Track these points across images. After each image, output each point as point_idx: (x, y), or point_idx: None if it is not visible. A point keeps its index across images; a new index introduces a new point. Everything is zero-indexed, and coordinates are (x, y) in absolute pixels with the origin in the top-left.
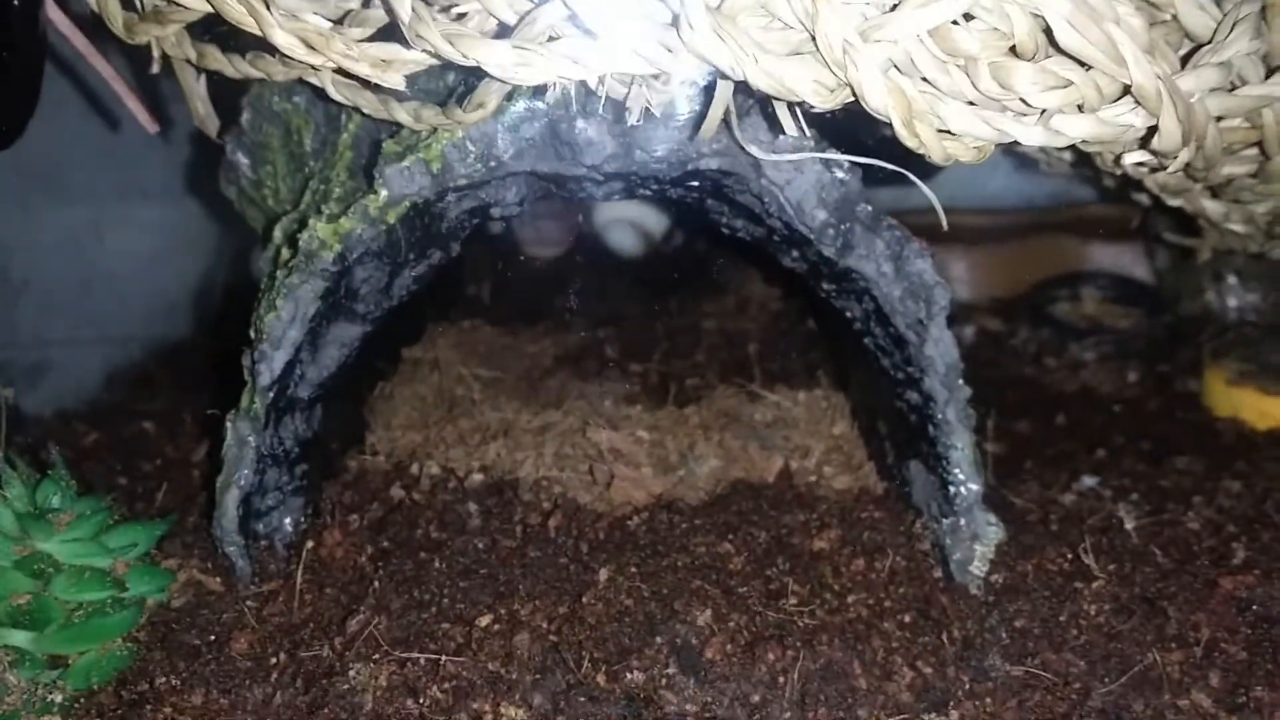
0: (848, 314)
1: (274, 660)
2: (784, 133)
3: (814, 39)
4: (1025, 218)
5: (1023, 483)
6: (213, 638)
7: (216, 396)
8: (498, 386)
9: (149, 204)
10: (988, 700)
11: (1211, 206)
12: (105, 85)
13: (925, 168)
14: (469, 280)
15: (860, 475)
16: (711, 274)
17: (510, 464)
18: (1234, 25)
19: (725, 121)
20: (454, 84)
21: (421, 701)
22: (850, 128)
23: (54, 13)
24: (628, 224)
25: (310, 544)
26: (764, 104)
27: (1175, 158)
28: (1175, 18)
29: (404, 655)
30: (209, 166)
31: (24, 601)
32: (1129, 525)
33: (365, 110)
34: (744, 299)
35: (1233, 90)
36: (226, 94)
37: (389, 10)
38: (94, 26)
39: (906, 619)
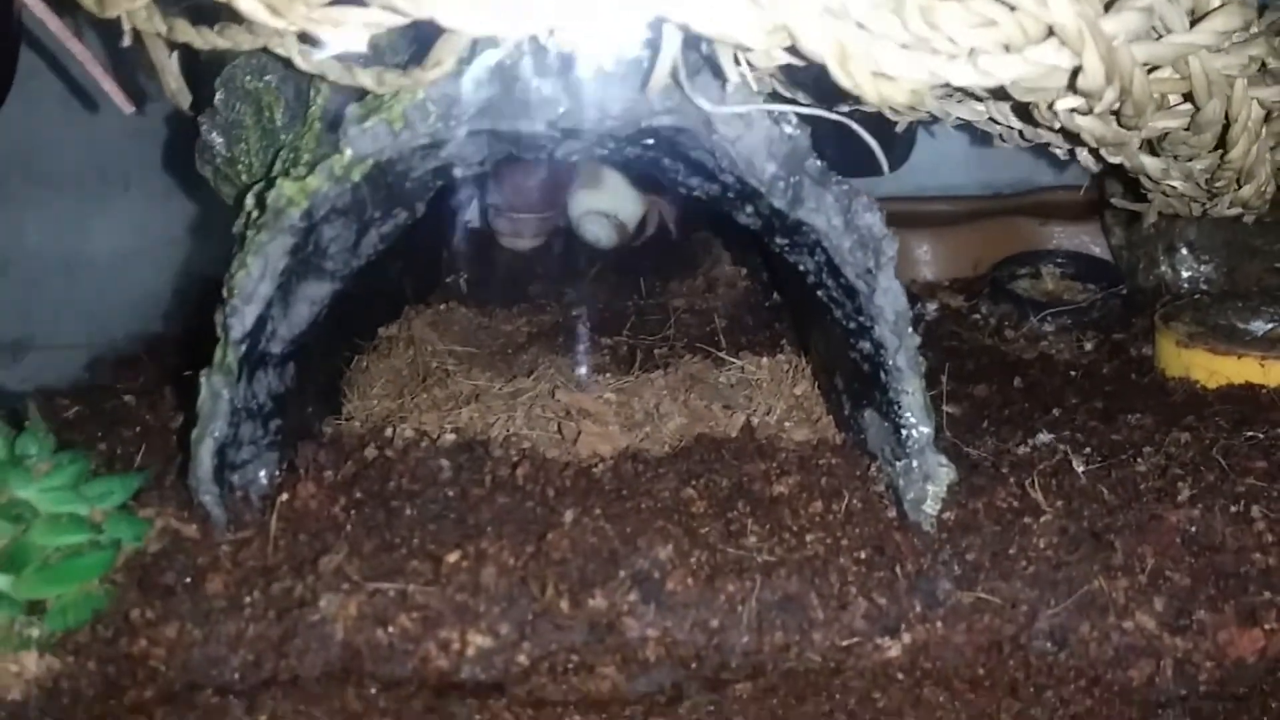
0: (800, 268)
1: (247, 598)
2: (731, 87)
3: None
4: (987, 204)
5: (979, 439)
6: (188, 579)
7: (195, 375)
8: (472, 360)
9: (130, 193)
10: (938, 625)
11: (1150, 163)
12: (84, 71)
13: (892, 162)
14: (447, 270)
15: (819, 428)
16: (683, 262)
17: (482, 425)
18: None
19: (677, 80)
20: (409, 45)
21: (391, 630)
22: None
23: None
24: (601, 216)
25: (284, 496)
26: (714, 63)
27: (1100, 98)
28: None
29: (374, 587)
30: (189, 154)
31: (2, 546)
32: (1079, 469)
33: (331, 77)
34: (712, 279)
35: (1159, 39)
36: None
37: None
38: (69, 9)
39: (862, 555)
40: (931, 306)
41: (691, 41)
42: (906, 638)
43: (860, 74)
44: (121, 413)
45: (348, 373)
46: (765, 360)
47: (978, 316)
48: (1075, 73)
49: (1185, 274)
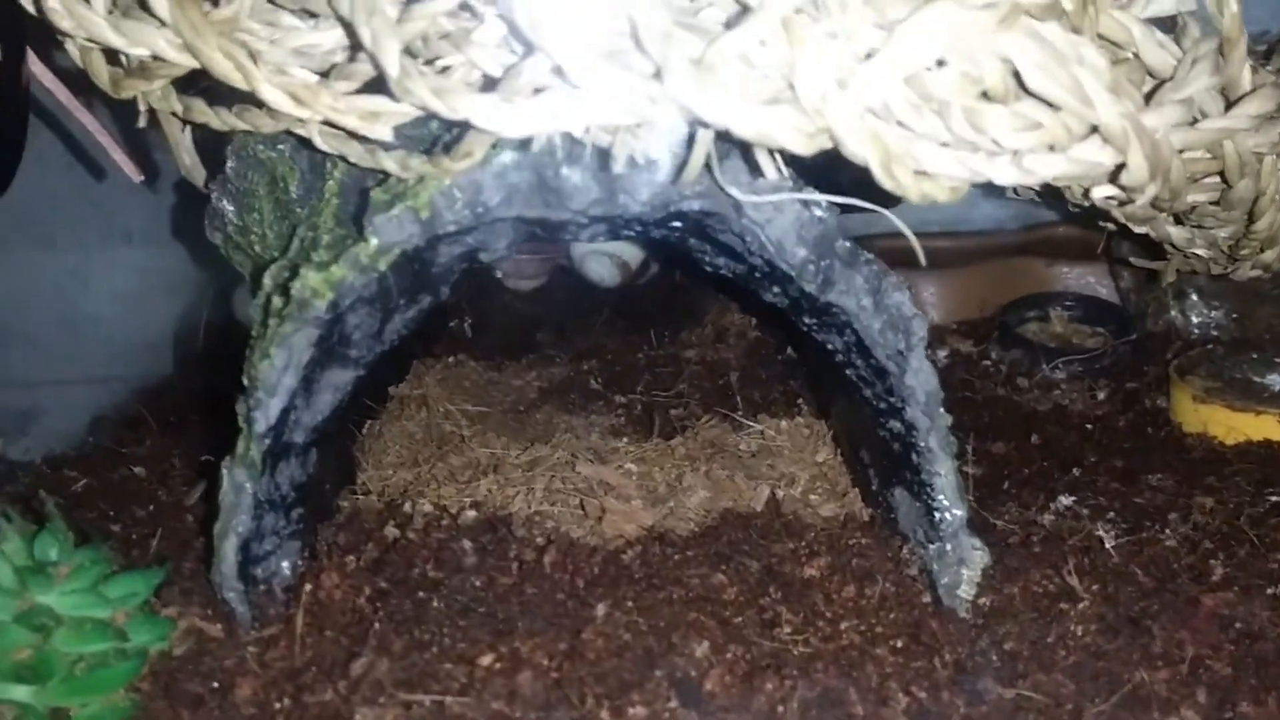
0: (829, 346)
1: (278, 705)
2: (763, 175)
3: (792, 88)
4: (991, 241)
5: (1002, 504)
6: (215, 685)
7: (202, 437)
8: (485, 421)
9: (131, 247)
10: None
11: (1176, 233)
12: (87, 134)
13: (890, 195)
14: (450, 315)
15: (846, 502)
16: (688, 304)
17: (501, 500)
18: (1194, 62)
19: (706, 165)
20: (438, 131)
21: None
22: (823, 163)
23: (36, 67)
24: (604, 255)
25: (308, 587)
26: (744, 147)
27: (1143, 192)
28: (1137, 56)
29: (408, 697)
30: (188, 210)
31: (25, 656)
32: (1109, 544)
33: (352, 160)
34: (722, 328)
35: (1194, 124)
36: (210, 140)
37: (376, 65)
38: (75, 78)
39: (898, 644)
40: (942, 353)
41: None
42: None
43: (903, 175)
44: (132, 487)
45: (360, 438)
46: (785, 424)
47: (988, 363)
48: (1117, 167)
49: (1195, 320)
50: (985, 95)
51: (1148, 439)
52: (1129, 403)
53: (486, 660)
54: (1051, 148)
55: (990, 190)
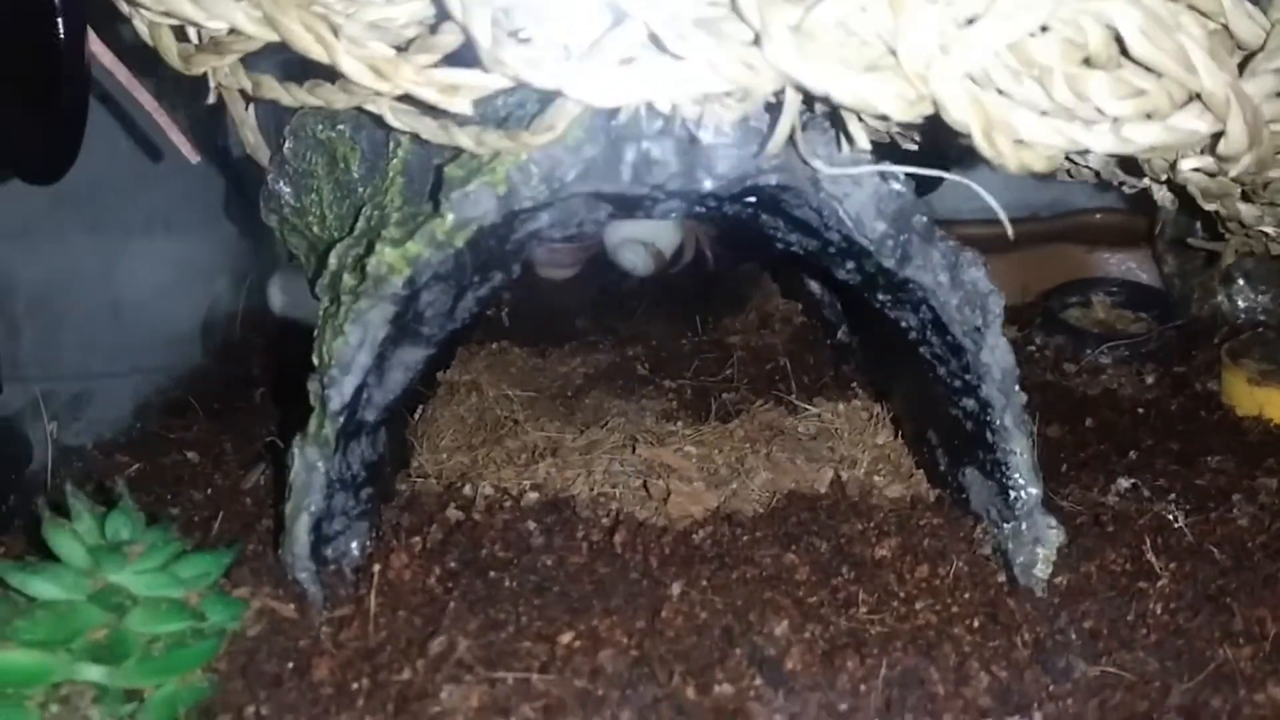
0: (903, 324)
1: (356, 685)
2: (842, 146)
3: (894, 54)
4: (1029, 227)
5: (1064, 486)
6: (291, 665)
7: (249, 422)
8: (535, 405)
9: (169, 234)
10: (1069, 701)
11: (1246, 210)
12: (142, 114)
13: (930, 182)
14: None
15: (912, 483)
16: (727, 291)
17: (562, 482)
18: None
19: (790, 139)
20: (505, 107)
21: None
22: (889, 139)
23: (97, 46)
24: (638, 244)
25: (377, 567)
26: (824, 118)
27: (1238, 162)
28: (1225, 26)
29: (491, 675)
30: (225, 196)
31: (101, 635)
32: (1180, 524)
33: (424, 135)
34: (766, 314)
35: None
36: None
37: (467, 35)
38: (133, 56)
39: (975, 624)
40: None
41: (806, 97)
42: (1038, 716)
43: (1003, 143)
44: (185, 471)
45: (412, 423)
46: (841, 407)
47: (1033, 348)
48: (1214, 136)
49: (1242, 304)
50: (1087, 62)
51: (1202, 422)
52: (1179, 387)
53: (566, 638)
54: (1150, 115)
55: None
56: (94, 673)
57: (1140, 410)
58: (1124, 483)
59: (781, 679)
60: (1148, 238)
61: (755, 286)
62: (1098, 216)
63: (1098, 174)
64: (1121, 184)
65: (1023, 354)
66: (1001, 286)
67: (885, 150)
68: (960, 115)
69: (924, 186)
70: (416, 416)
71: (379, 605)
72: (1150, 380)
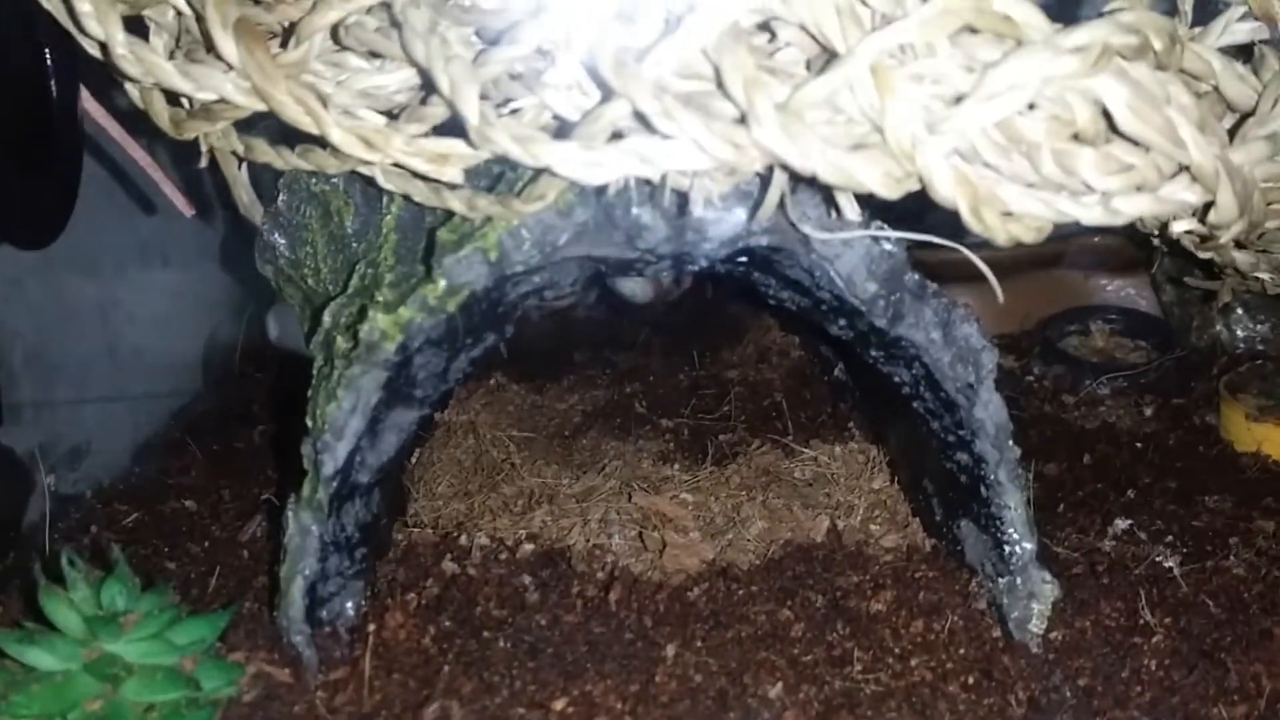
0: (896, 379)
1: None
2: (832, 209)
3: (880, 132)
4: (1028, 253)
5: (1060, 529)
6: None
7: (247, 465)
8: (532, 447)
9: (166, 269)
10: None
11: (1241, 258)
12: (133, 165)
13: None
14: None
15: (907, 533)
16: (726, 320)
17: (558, 531)
18: (1276, 100)
19: (780, 204)
20: (498, 170)
21: None
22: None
23: (89, 103)
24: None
25: (372, 627)
26: (813, 182)
27: (1229, 229)
28: (1216, 89)
29: None
30: (220, 231)
31: (96, 707)
32: (1176, 573)
33: (416, 199)
34: (764, 348)
35: (1272, 158)
36: (259, 171)
37: (455, 111)
38: (126, 114)
39: (970, 680)
40: None
41: None
42: None
43: (991, 217)
44: (184, 522)
45: (409, 467)
46: (838, 450)
47: (1031, 379)
48: (1205, 205)
49: (1241, 334)
50: (1076, 137)
51: (1200, 458)
52: (1178, 419)
53: (559, 705)
54: (1139, 188)
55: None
56: None
57: (1138, 445)
58: (1120, 524)
59: None
60: (1147, 264)
61: (754, 318)
62: (1096, 240)
63: None
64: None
65: (1021, 384)
66: (1000, 313)
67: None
68: (948, 192)
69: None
70: (414, 460)
71: (374, 668)
72: (1149, 413)
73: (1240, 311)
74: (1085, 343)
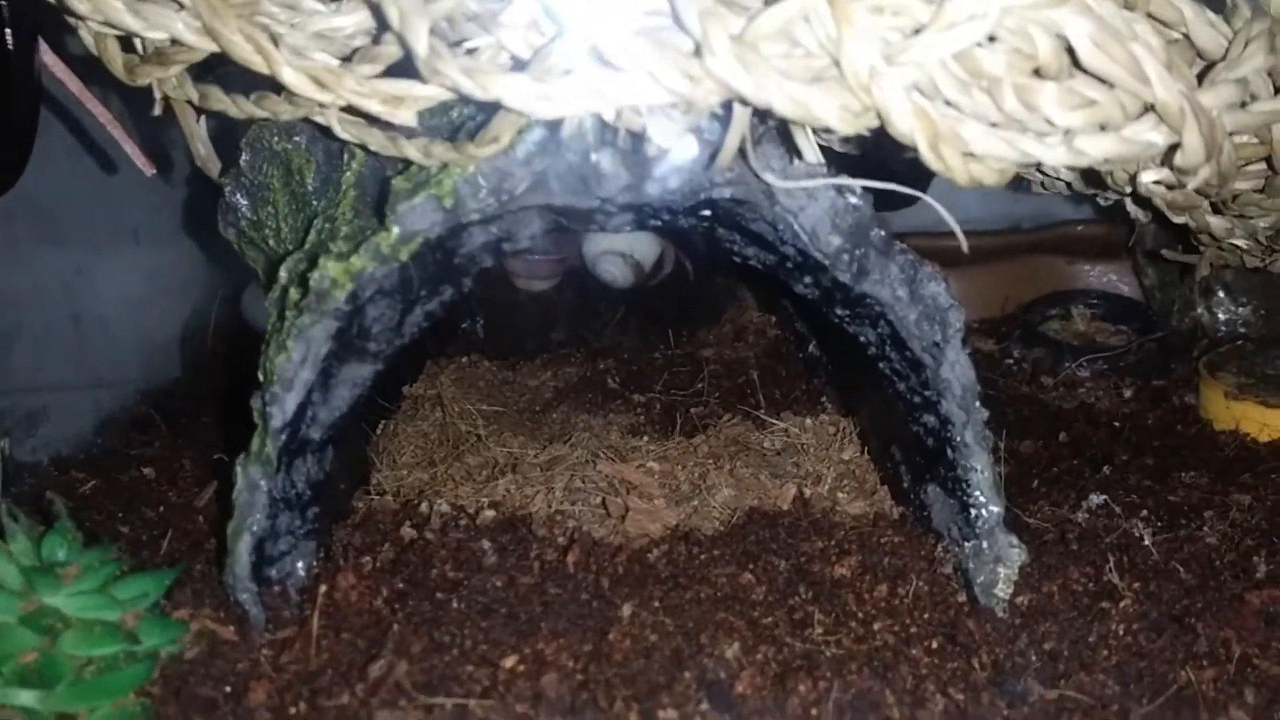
0: (861, 339)
1: (293, 710)
2: (797, 159)
3: (838, 64)
4: (1009, 239)
5: (1034, 502)
6: (228, 689)
7: (213, 438)
8: (501, 421)
9: (138, 246)
10: None
11: (1216, 223)
12: (97, 126)
13: (909, 196)
14: (462, 315)
15: (875, 500)
16: (704, 303)
17: (521, 499)
18: (1247, 43)
19: (739, 150)
20: (459, 119)
21: None
22: (855, 154)
23: (48, 57)
24: (617, 255)
25: (324, 588)
26: (777, 131)
27: (1195, 174)
28: (1187, 36)
29: (429, 700)
30: (198, 207)
31: (31, 659)
32: (1147, 541)
33: (373, 147)
34: (740, 327)
35: (1244, 106)
36: (223, 134)
37: (404, 45)
38: (88, 67)
39: (934, 645)
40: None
41: (756, 110)
42: None
43: (951, 155)
44: (141, 488)
45: (374, 438)
46: (809, 422)
47: (1011, 361)
48: (1170, 148)
49: (1222, 316)
50: (1037, 72)
51: (1178, 436)
52: (1157, 400)
53: (509, 662)
54: (1104, 127)
55: (1012, 185)
56: (24, 697)
57: (1116, 424)
58: (1095, 499)
59: (729, 703)
60: (1130, 249)
61: (731, 299)
62: (1079, 228)
63: (1070, 186)
64: (1095, 196)
65: (1000, 367)
66: (982, 298)
67: (845, 163)
68: (905, 127)
69: (900, 201)
70: (378, 432)
71: (322, 627)
72: (1128, 394)
73: (1221, 294)
74: (1066, 326)
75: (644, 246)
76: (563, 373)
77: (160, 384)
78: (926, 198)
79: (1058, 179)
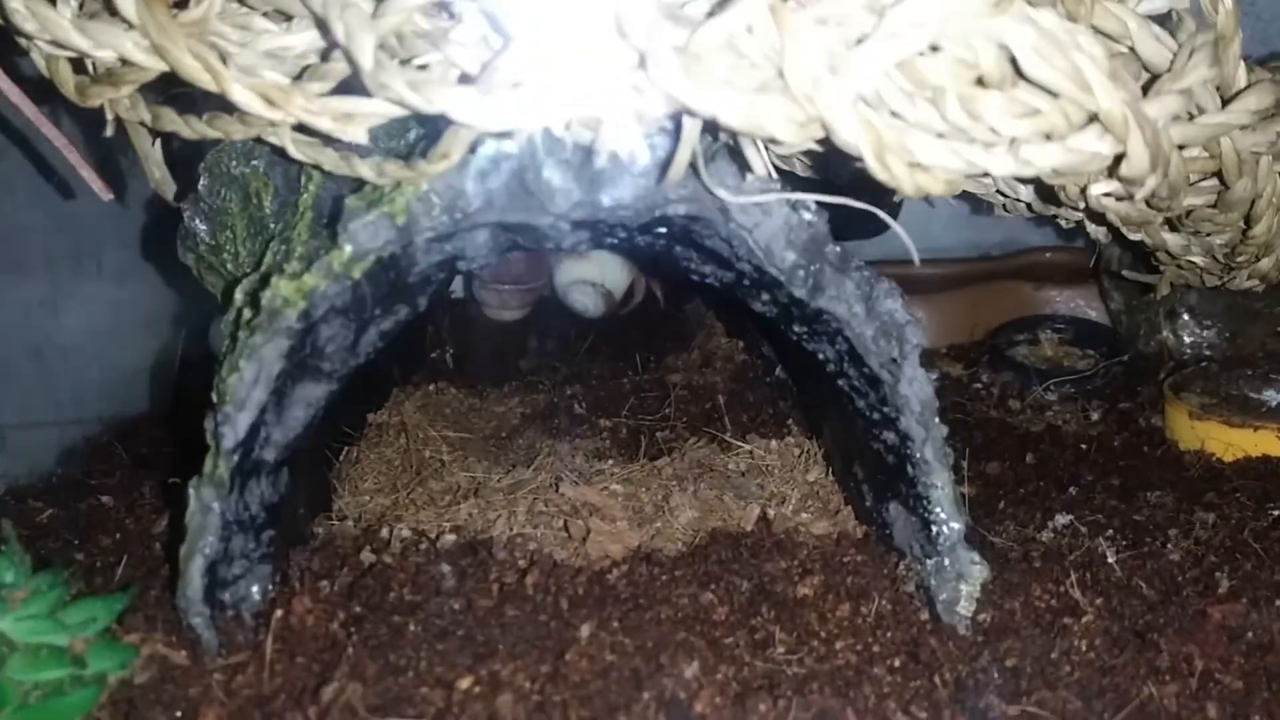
0: (820, 356)
1: None
2: (750, 175)
3: (782, 75)
4: (978, 266)
5: (999, 523)
6: (179, 714)
7: (175, 468)
8: (466, 447)
9: (102, 279)
10: None
11: (1172, 240)
12: (54, 152)
13: (881, 223)
14: (432, 345)
15: (839, 520)
16: (673, 330)
17: (483, 523)
18: (1191, 54)
19: (692, 167)
20: (415, 140)
21: None
22: (818, 178)
23: (2, 81)
24: (588, 285)
25: (279, 612)
26: (730, 149)
27: (1143, 184)
28: (1132, 49)
29: None
30: (164, 238)
31: None
32: (1111, 559)
33: (326, 167)
34: (709, 353)
35: (1191, 119)
36: (183, 159)
37: (350, 60)
38: (43, 91)
39: (896, 663)
40: (932, 377)
41: (709, 126)
42: None
43: (897, 165)
44: (99, 516)
45: (337, 465)
46: (774, 444)
47: (979, 385)
48: (1116, 159)
49: (1188, 339)
50: (980, 82)
51: (1144, 457)
52: (1123, 422)
53: (465, 683)
54: (1049, 136)
55: (974, 213)
56: None
57: (1082, 446)
58: (1061, 519)
59: None
60: (1095, 274)
61: (700, 325)
62: (1047, 255)
63: (1030, 207)
64: (1055, 217)
65: (968, 391)
66: (951, 324)
67: (811, 187)
68: (850, 137)
69: (873, 228)
70: (341, 459)
71: (276, 652)
72: (1094, 416)
73: (1186, 317)
74: (1034, 351)
75: (615, 276)
76: (530, 399)
77: (126, 416)
78: (887, 218)
79: (1018, 200)
